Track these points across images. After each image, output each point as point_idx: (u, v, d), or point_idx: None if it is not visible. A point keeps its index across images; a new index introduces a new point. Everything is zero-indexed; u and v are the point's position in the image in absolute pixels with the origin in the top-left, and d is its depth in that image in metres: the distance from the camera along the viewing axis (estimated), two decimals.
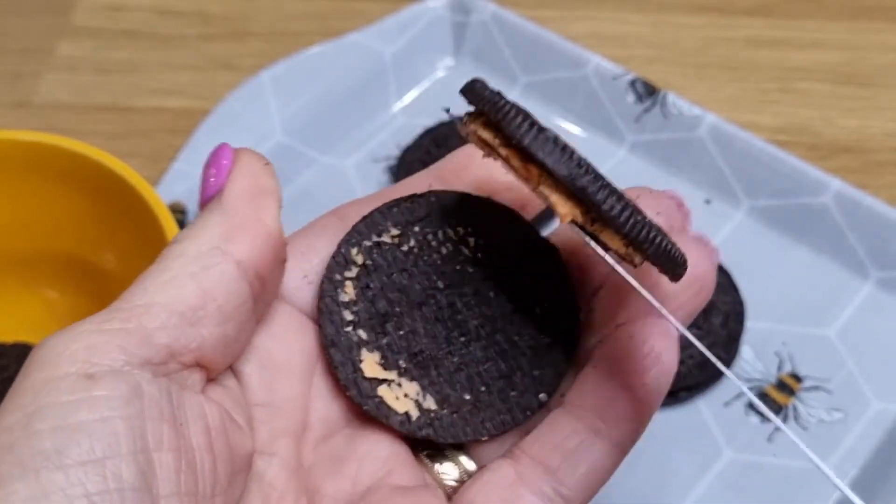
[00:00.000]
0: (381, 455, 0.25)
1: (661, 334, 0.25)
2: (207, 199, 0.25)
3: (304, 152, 0.48)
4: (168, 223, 0.36)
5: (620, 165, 0.48)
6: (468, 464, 0.26)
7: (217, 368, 0.23)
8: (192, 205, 0.45)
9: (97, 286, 0.41)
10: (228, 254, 0.23)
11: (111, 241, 0.40)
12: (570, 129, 0.49)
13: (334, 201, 0.48)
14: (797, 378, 0.41)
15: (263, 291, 0.24)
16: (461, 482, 0.26)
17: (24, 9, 0.56)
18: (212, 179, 0.25)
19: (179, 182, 0.46)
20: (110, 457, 0.20)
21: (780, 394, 0.41)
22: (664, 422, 0.39)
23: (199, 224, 0.24)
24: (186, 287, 0.22)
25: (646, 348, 0.25)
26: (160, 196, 0.37)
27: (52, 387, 0.20)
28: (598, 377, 0.25)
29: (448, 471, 0.26)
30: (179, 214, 0.45)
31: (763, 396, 0.41)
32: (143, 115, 0.51)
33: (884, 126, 0.50)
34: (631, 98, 0.48)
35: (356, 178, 0.48)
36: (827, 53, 0.53)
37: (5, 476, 0.19)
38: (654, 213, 0.25)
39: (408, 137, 0.48)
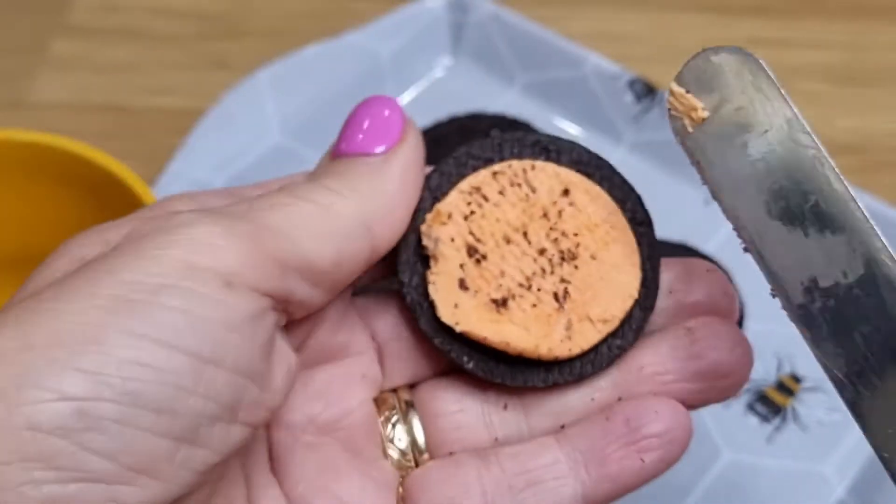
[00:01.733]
0: (348, 404, 0.26)
1: (682, 426, 0.25)
2: (359, 151, 0.24)
3: (302, 152, 0.48)
4: None
5: (619, 165, 0.47)
6: (420, 440, 0.26)
7: (293, 317, 0.24)
8: None
9: None
10: (371, 235, 0.24)
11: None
12: (568, 129, 0.49)
13: None
14: (796, 379, 0.41)
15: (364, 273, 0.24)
16: (407, 457, 0.26)
17: (19, 7, 0.56)
18: (370, 134, 0.24)
19: (175, 182, 0.46)
20: (215, 363, 0.20)
21: (779, 395, 0.41)
22: None
23: (355, 183, 0.24)
24: (328, 247, 0.23)
25: (660, 428, 0.25)
26: (156, 196, 0.37)
27: (190, 272, 0.20)
28: (606, 428, 0.25)
29: (397, 441, 0.26)
30: None
31: (762, 397, 0.41)
32: (138, 114, 0.51)
33: (884, 126, 0.50)
34: (630, 98, 0.48)
35: None
36: (826, 53, 0.53)
37: (117, 329, 0.19)
38: (696, 297, 0.26)
39: None
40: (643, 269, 0.26)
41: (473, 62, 0.52)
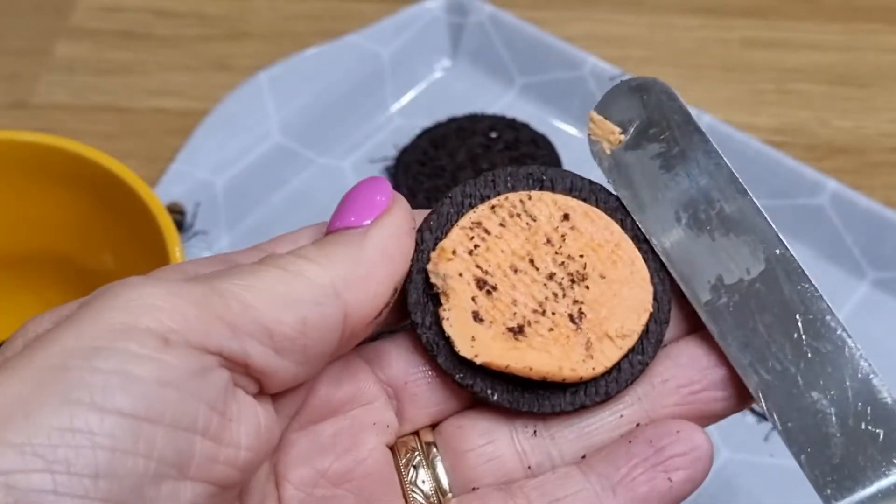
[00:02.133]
0: (358, 454, 0.25)
1: (704, 445, 0.25)
2: (347, 225, 0.24)
3: (302, 153, 0.49)
4: (165, 223, 0.36)
5: None
6: (444, 482, 0.26)
7: (270, 390, 0.23)
8: (189, 205, 0.46)
9: (95, 286, 0.41)
10: (342, 302, 0.23)
11: (108, 241, 0.40)
12: (567, 130, 0.49)
13: (332, 202, 0.48)
14: None
15: (346, 346, 0.24)
16: (431, 499, 0.25)
17: (22, 9, 0.56)
18: (352, 216, 0.24)
19: (177, 183, 0.46)
20: (152, 421, 0.20)
21: None
22: None
23: (329, 251, 0.23)
24: (290, 313, 0.22)
25: (684, 448, 0.24)
26: (158, 196, 0.37)
27: (125, 334, 0.20)
28: (630, 451, 0.25)
29: (420, 484, 0.25)
30: (177, 215, 0.45)
31: None
32: (140, 115, 0.51)
33: (879, 127, 0.50)
34: None
35: (353, 178, 0.48)
36: (823, 55, 0.53)
37: (45, 399, 0.19)
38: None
39: (405, 138, 0.49)
40: (653, 283, 0.26)
41: (472, 64, 0.52)
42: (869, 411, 0.24)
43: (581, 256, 0.26)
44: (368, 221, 0.24)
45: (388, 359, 0.26)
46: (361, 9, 0.55)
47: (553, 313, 0.25)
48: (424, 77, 0.52)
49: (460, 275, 0.25)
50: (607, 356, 0.25)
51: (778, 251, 0.25)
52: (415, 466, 0.26)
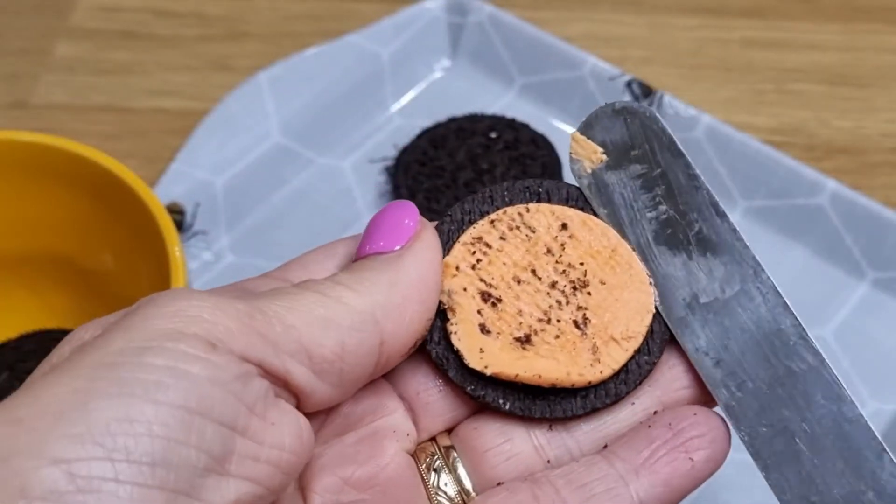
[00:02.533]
0: (380, 460, 0.25)
1: (721, 427, 0.25)
2: (378, 251, 0.25)
3: (302, 153, 0.49)
4: (165, 224, 0.36)
5: None
6: (466, 483, 0.26)
7: (305, 409, 0.24)
8: (189, 205, 0.46)
9: (95, 286, 0.41)
10: (379, 329, 0.23)
11: (108, 241, 0.40)
12: (566, 130, 0.49)
13: (331, 202, 0.48)
14: None
15: (379, 373, 0.25)
16: (456, 500, 0.26)
17: (22, 9, 0.56)
18: (381, 241, 0.25)
19: (177, 183, 0.46)
20: (202, 414, 0.20)
21: None
22: None
23: (366, 277, 0.24)
24: (329, 337, 0.23)
25: (703, 430, 0.25)
26: (157, 197, 0.37)
27: (174, 336, 0.21)
28: (650, 435, 0.25)
29: (444, 487, 0.26)
30: (177, 215, 0.45)
31: None
32: (140, 115, 0.51)
33: (879, 127, 0.50)
34: (627, 99, 0.48)
35: (353, 178, 0.48)
36: (822, 55, 0.53)
37: (100, 392, 0.20)
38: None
39: (405, 138, 0.49)
40: (654, 285, 0.26)
41: (472, 64, 0.52)
42: (838, 430, 0.24)
43: (581, 264, 0.26)
44: (399, 246, 0.25)
45: (402, 374, 0.27)
46: (361, 9, 0.55)
47: (558, 321, 0.26)
48: (424, 77, 0.52)
49: (465, 289, 0.26)
50: (614, 359, 0.26)
51: (754, 272, 0.25)
52: (436, 470, 0.26)
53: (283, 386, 0.23)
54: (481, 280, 0.26)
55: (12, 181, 0.39)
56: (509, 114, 0.49)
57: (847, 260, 0.44)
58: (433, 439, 0.27)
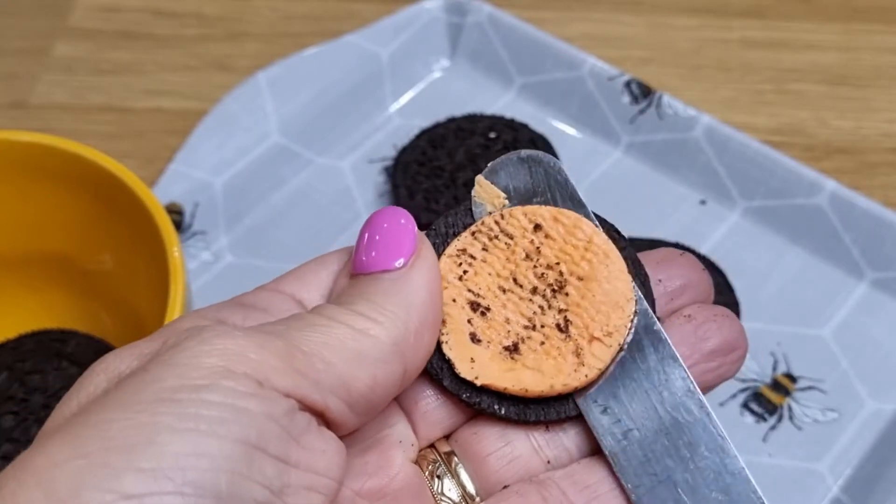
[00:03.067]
0: (389, 471, 0.26)
1: None
2: (379, 268, 0.24)
3: (301, 153, 0.49)
4: (164, 224, 0.36)
5: (616, 166, 0.48)
6: (470, 487, 0.26)
7: (336, 434, 0.24)
8: (188, 206, 0.46)
9: (94, 286, 0.41)
10: (404, 358, 0.24)
11: (108, 241, 0.40)
12: (565, 130, 0.49)
13: (330, 202, 0.48)
14: (792, 378, 0.41)
15: (399, 393, 0.25)
16: None
17: (21, 10, 0.56)
18: (383, 256, 0.25)
19: (176, 183, 0.46)
20: (261, 448, 0.21)
21: (774, 394, 0.41)
22: None
23: (383, 305, 0.24)
24: (363, 372, 0.23)
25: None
26: (156, 197, 0.37)
27: (225, 375, 0.21)
28: None
29: (447, 492, 0.26)
30: (175, 215, 0.45)
31: (758, 396, 0.41)
32: (139, 115, 0.51)
33: (878, 127, 0.50)
34: (626, 99, 0.48)
35: (352, 178, 0.48)
36: (821, 55, 0.53)
37: (167, 427, 0.20)
38: (679, 281, 0.27)
39: (404, 138, 0.49)
40: (632, 274, 0.26)
41: (471, 64, 0.52)
42: (720, 482, 0.25)
43: (557, 264, 0.26)
44: (401, 261, 0.24)
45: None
46: (360, 9, 0.55)
47: (542, 326, 0.26)
48: (423, 77, 0.52)
49: (454, 300, 0.26)
50: (599, 358, 0.26)
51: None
52: (439, 476, 0.26)
53: (321, 418, 0.23)
54: (469, 290, 0.26)
55: (11, 181, 0.39)
56: (508, 114, 0.49)
57: (846, 260, 0.44)
58: (432, 446, 0.27)
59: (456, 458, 0.26)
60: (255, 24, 0.55)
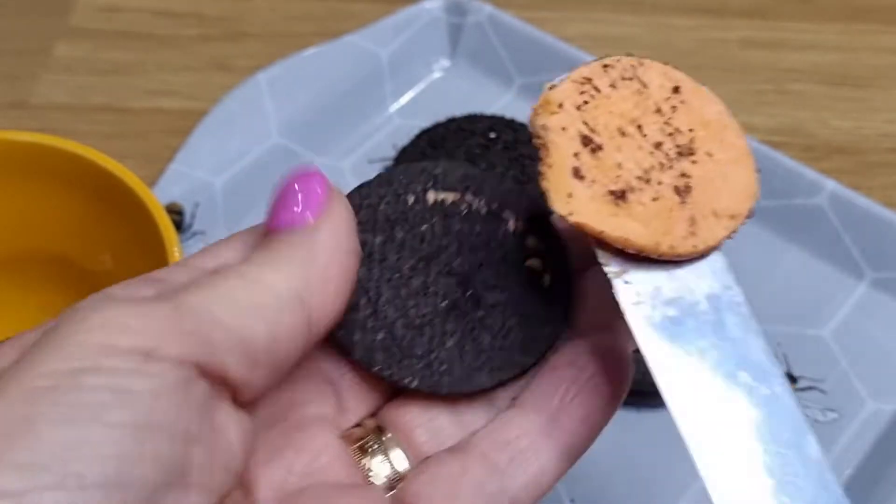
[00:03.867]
0: (315, 447, 0.25)
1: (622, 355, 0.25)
2: (287, 224, 0.24)
3: (301, 153, 0.49)
4: (164, 224, 0.36)
5: None
6: (400, 462, 0.25)
7: (243, 399, 0.23)
8: (188, 206, 0.46)
9: (94, 286, 0.41)
10: (306, 307, 0.23)
11: (107, 241, 0.40)
12: None
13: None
14: (792, 378, 0.41)
15: (307, 350, 0.24)
16: (392, 480, 0.25)
17: (21, 10, 0.56)
18: (296, 207, 0.24)
19: (176, 183, 0.46)
20: (153, 430, 0.20)
21: None
22: (658, 421, 0.39)
23: (283, 256, 0.23)
24: (259, 322, 0.22)
25: (616, 358, 0.25)
26: (156, 197, 0.37)
27: (106, 352, 0.20)
28: (555, 380, 0.25)
29: (377, 468, 0.25)
30: (176, 215, 0.45)
31: None
32: (139, 116, 0.51)
33: (878, 127, 0.50)
34: None
35: (352, 179, 0.48)
36: (821, 55, 0.53)
37: (43, 418, 0.19)
38: None
39: (404, 139, 0.49)
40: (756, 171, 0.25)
41: (471, 64, 0.52)
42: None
43: (690, 131, 0.24)
44: (311, 217, 0.24)
45: (317, 360, 0.26)
46: (360, 9, 0.55)
47: (659, 183, 0.24)
48: (423, 77, 0.52)
49: (564, 129, 0.24)
50: (713, 234, 0.24)
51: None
52: (370, 452, 0.25)
53: (221, 382, 0.22)
54: (584, 123, 0.24)
55: (11, 181, 0.39)
56: (508, 114, 0.49)
57: (846, 260, 0.44)
58: (358, 425, 0.26)
59: (385, 435, 0.26)
60: (255, 24, 0.55)
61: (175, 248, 0.35)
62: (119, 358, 0.20)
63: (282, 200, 0.24)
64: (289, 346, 0.22)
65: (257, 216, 0.46)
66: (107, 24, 0.56)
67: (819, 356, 0.42)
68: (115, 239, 0.39)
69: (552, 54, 0.50)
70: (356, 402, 0.26)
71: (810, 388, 0.41)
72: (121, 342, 0.20)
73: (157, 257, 0.36)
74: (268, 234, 0.24)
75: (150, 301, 0.21)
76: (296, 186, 0.24)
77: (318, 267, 0.23)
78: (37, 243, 0.41)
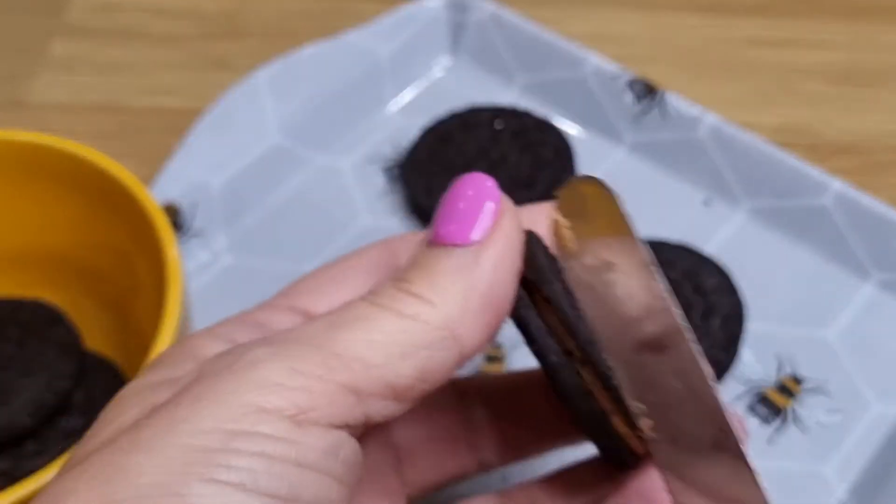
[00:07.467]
0: None
1: None
2: (450, 240, 0.22)
3: (300, 153, 0.48)
4: (162, 224, 0.35)
5: (619, 166, 0.48)
6: None
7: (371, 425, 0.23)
8: (186, 205, 0.45)
9: (91, 287, 0.41)
10: (458, 343, 0.22)
11: (105, 241, 0.40)
12: (568, 130, 0.49)
13: (329, 202, 0.48)
14: (797, 380, 0.41)
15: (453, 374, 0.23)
16: None
17: (18, 8, 0.56)
18: (463, 221, 0.22)
19: (173, 182, 0.46)
20: (293, 500, 0.20)
21: (779, 396, 0.41)
22: None
23: (441, 284, 0.22)
24: (408, 363, 0.21)
25: None
26: (154, 196, 0.37)
27: (259, 416, 0.20)
28: None
29: None
30: (174, 215, 0.45)
31: (763, 398, 0.40)
32: (137, 114, 0.51)
33: (884, 126, 0.50)
34: (630, 98, 0.48)
35: (352, 178, 0.48)
36: (827, 54, 0.53)
37: (193, 478, 0.19)
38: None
39: (404, 138, 0.48)
40: None
41: (473, 62, 0.52)
42: None
43: None
44: (476, 236, 0.22)
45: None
46: (360, 7, 0.55)
47: None
48: (424, 75, 0.51)
49: None
50: None
51: (702, 380, 0.22)
52: None
53: (364, 428, 0.22)
54: None
55: (8, 181, 0.39)
56: None
57: (852, 261, 0.44)
58: None
59: None
60: (254, 22, 0.55)
61: (173, 248, 0.35)
62: (270, 424, 0.20)
63: (446, 210, 0.23)
64: (435, 379, 0.22)
65: (257, 216, 0.47)
66: (104, 23, 0.55)
67: (824, 357, 0.42)
68: (112, 239, 0.39)
69: (554, 52, 0.50)
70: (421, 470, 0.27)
71: (815, 389, 0.41)
72: (272, 403, 0.20)
73: (154, 258, 0.35)
74: (430, 244, 0.23)
75: (303, 350, 0.21)
76: (464, 196, 0.22)
77: (475, 297, 0.22)
78: (33, 243, 0.41)
